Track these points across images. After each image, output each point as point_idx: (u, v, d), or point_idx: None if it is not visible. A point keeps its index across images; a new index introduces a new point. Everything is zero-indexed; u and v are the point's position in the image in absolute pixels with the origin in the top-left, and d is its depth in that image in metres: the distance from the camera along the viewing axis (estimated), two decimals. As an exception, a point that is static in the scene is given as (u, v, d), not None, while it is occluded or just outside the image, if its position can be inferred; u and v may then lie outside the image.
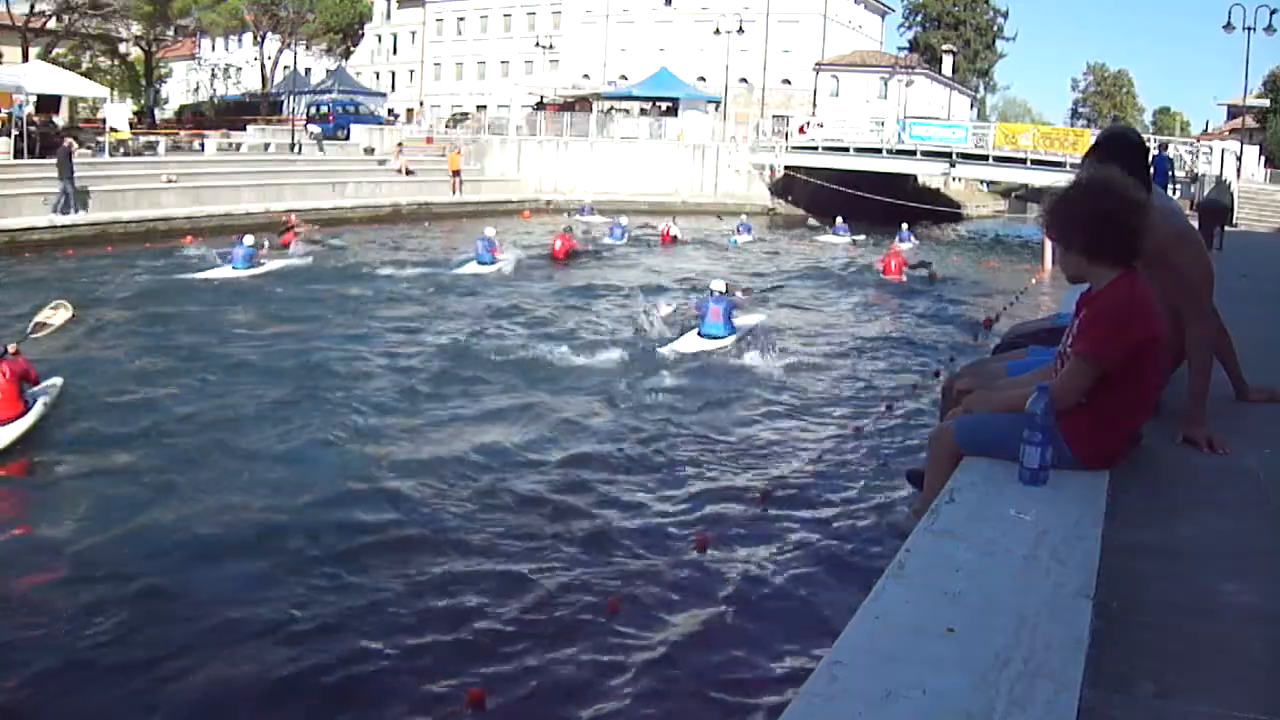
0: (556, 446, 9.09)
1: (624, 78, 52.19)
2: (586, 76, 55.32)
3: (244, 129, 43.64)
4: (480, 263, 20.19)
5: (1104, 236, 2.85)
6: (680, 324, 13.70)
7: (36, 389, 8.87)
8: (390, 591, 6.10)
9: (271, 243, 20.28)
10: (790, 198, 40.34)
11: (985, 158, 36.94)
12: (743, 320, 13.69)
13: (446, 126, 48.04)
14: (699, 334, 13.08)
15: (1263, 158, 35.69)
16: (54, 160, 22.42)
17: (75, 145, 23.60)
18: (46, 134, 26.66)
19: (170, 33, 54.61)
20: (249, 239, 19.24)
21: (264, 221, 24.96)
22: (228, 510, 7.35)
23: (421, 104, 56.82)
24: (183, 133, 40.99)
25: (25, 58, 38.34)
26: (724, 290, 13.68)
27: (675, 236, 27.09)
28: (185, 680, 5.00)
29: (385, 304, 16.55)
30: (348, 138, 41.58)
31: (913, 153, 38.08)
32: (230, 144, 37.28)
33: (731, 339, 12.97)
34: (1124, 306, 2.82)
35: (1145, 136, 4.11)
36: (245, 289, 17.17)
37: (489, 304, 16.63)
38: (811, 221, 32.78)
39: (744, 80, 51.95)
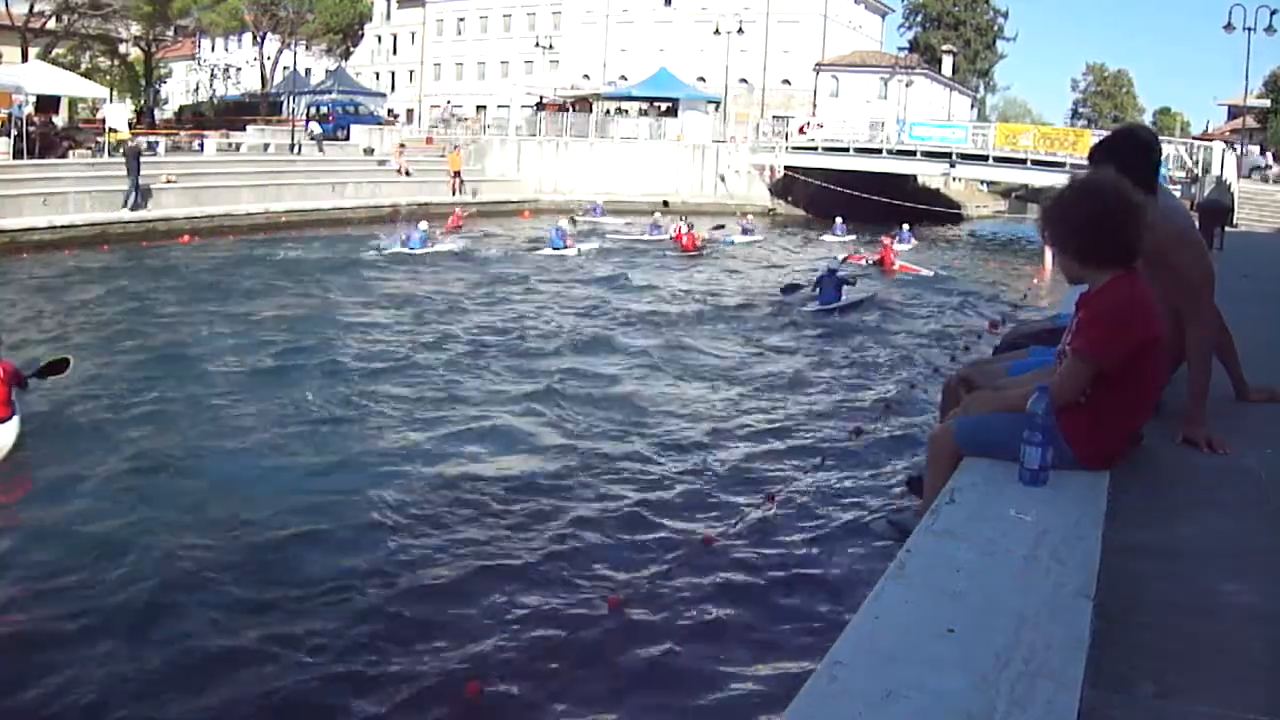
0: (564, 444, 9.10)
1: (624, 78, 52.17)
2: (586, 77, 55.30)
3: (243, 129, 43.65)
4: (553, 248, 23.70)
5: (1099, 239, 2.84)
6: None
7: None
8: (390, 587, 6.10)
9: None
10: (790, 198, 40.36)
11: (985, 158, 36.91)
12: (851, 292, 17.40)
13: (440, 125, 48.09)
14: (819, 302, 16.66)
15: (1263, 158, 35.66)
16: (51, 160, 22.76)
17: (144, 146, 26.76)
18: (46, 134, 26.68)
19: (170, 33, 54.65)
20: (424, 224, 24.04)
21: (271, 220, 26.17)
22: (234, 498, 7.41)
23: (448, 102, 56.52)
24: (182, 133, 41.00)
25: (25, 58, 38.38)
26: (836, 269, 17.46)
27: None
28: (184, 681, 5.00)
29: (514, 279, 20.17)
30: (347, 138, 41.57)
31: (913, 153, 38.09)
32: (230, 144, 37.28)
33: (843, 302, 16.79)
34: (1123, 307, 2.81)
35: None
36: (419, 265, 21.53)
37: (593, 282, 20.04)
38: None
39: (744, 80, 51.94)
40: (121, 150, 25.27)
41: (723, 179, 40.04)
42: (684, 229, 27.07)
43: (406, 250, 22.52)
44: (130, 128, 34.15)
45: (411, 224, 24.23)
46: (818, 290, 16.98)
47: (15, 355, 11.36)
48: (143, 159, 24.68)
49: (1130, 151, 3.46)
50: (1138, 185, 3.02)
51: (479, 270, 21.24)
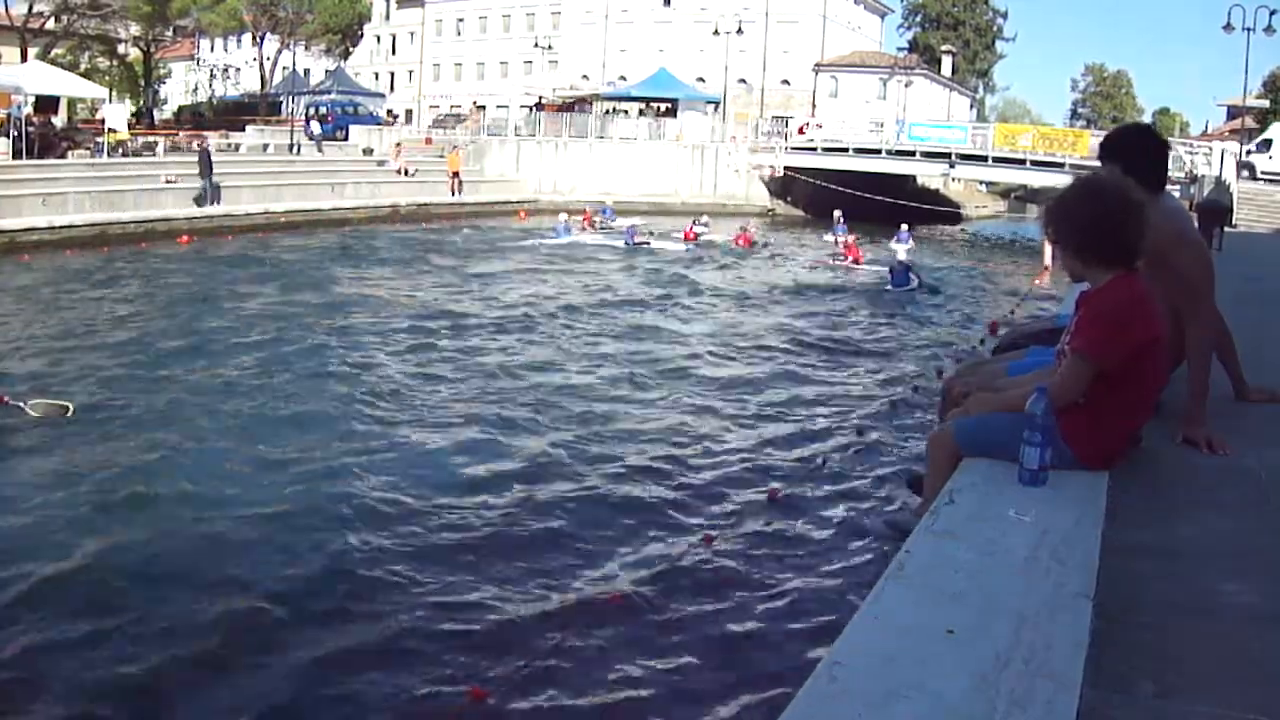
0: (563, 443, 9.09)
1: (623, 78, 52.19)
2: (585, 77, 55.32)
3: (243, 130, 43.64)
4: (626, 243, 26.47)
5: (1100, 239, 2.85)
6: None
7: None
8: (391, 589, 6.08)
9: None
10: (789, 198, 40.37)
11: (985, 158, 36.92)
12: (916, 278, 20.37)
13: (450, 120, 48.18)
14: (891, 285, 19.57)
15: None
16: (50, 160, 23.12)
17: (214, 147, 29.02)
18: (45, 134, 26.69)
19: (169, 33, 54.71)
20: (563, 217, 28.76)
21: (271, 220, 26.83)
22: (232, 496, 7.40)
23: (474, 104, 56.40)
24: (181, 133, 40.98)
25: (24, 58, 38.39)
26: (904, 258, 21.27)
27: (698, 235, 27.94)
28: (182, 680, 4.99)
29: (594, 268, 22.79)
30: (346, 138, 41.55)
31: (912, 153, 38.10)
32: (229, 145, 37.27)
33: (912, 285, 19.69)
34: (1123, 307, 2.82)
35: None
36: (562, 252, 25.40)
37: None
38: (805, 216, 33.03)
39: (743, 81, 51.94)
40: (194, 150, 27.82)
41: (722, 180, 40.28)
42: (692, 229, 28.03)
43: (556, 241, 26.86)
44: (129, 128, 34.20)
45: (559, 221, 28.91)
46: (890, 276, 20.04)
47: (31, 360, 11.49)
48: (213, 159, 26.84)
49: (1137, 150, 3.48)
50: (1141, 184, 3.03)
51: (575, 258, 24.40)
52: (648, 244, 26.53)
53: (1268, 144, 32.19)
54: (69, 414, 9.07)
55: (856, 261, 23.41)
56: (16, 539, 6.59)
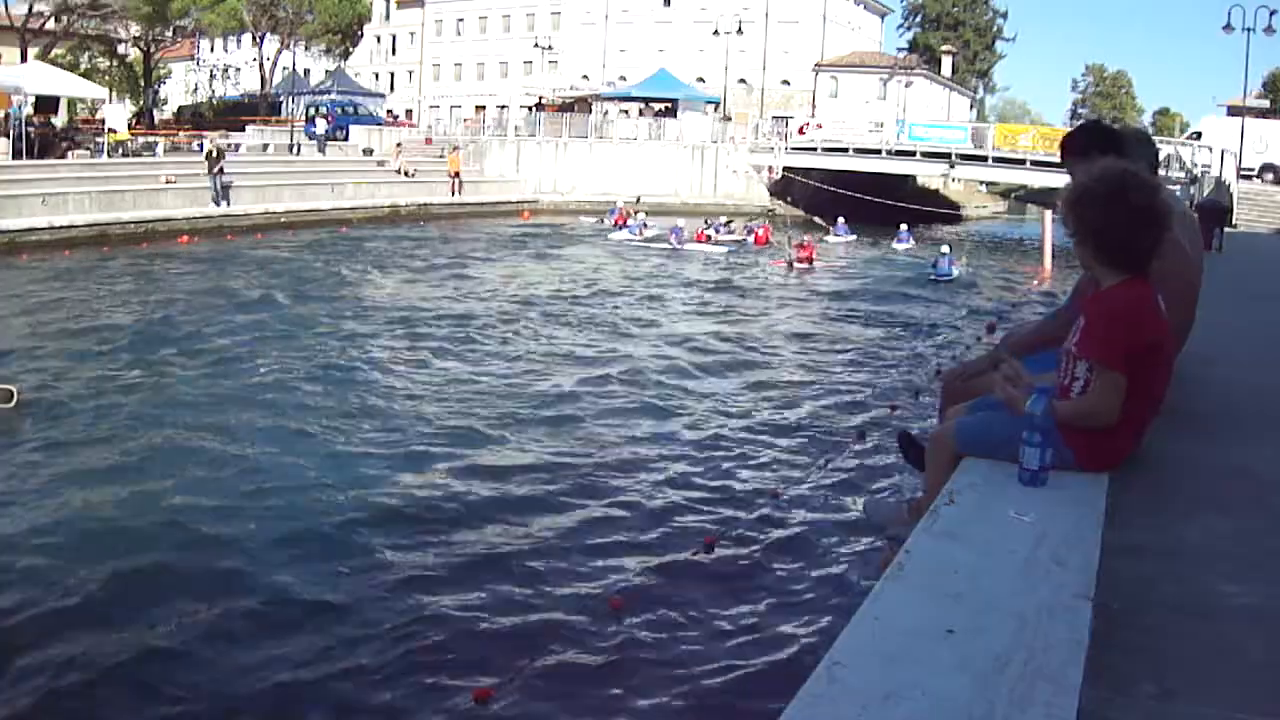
0: (569, 444, 9.09)
1: (623, 78, 52.15)
2: (586, 77, 55.26)
3: (243, 130, 43.63)
4: (674, 245, 27.07)
5: (1119, 242, 2.81)
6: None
7: None
8: (394, 591, 6.08)
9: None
10: (789, 199, 40.33)
11: (985, 159, 36.89)
12: (957, 269, 22.72)
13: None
14: (935, 274, 21.94)
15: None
16: (50, 160, 23.64)
17: (227, 148, 30.08)
18: (45, 135, 26.70)
19: (169, 33, 54.63)
20: (641, 216, 30.16)
21: (271, 220, 26.96)
22: (238, 489, 7.44)
23: (500, 107, 56.16)
24: (181, 134, 41.00)
25: (24, 58, 38.40)
26: (949, 250, 23.02)
27: (709, 236, 28.02)
28: (183, 681, 4.99)
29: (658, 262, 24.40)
30: (346, 139, 41.54)
31: (912, 153, 38.06)
32: (229, 145, 37.27)
33: (954, 276, 22.05)
34: (1134, 310, 2.80)
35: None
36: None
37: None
38: (818, 220, 33.03)
39: (743, 81, 51.93)
40: (206, 155, 28.06)
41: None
42: (703, 230, 28.23)
43: (629, 234, 28.31)
44: (129, 128, 34.21)
45: (636, 220, 30.30)
46: (934, 266, 22.21)
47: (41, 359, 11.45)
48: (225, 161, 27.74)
49: (1127, 151, 3.46)
50: None
51: (624, 254, 25.99)
52: (684, 244, 26.87)
53: (1198, 136, 32.49)
54: (13, 401, 8.94)
55: (810, 261, 23.48)
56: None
